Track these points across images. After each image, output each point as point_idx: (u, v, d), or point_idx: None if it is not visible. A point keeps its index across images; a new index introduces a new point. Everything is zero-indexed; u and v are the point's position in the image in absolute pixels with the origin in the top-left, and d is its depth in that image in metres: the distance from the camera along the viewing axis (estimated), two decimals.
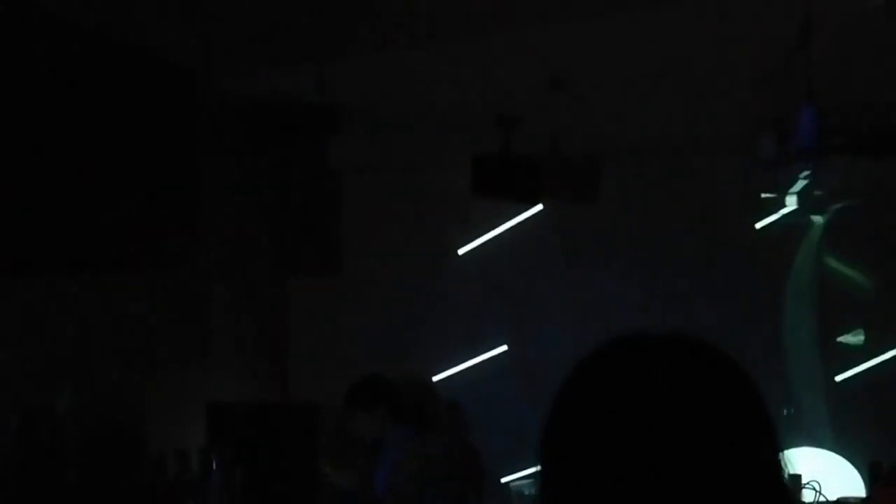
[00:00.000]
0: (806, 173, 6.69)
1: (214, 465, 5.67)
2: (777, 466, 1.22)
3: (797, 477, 5.15)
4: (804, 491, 5.42)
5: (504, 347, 8.37)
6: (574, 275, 8.28)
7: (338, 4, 5.48)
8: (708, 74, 6.35)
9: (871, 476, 5.91)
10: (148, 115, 5.42)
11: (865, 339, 7.68)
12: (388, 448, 5.64)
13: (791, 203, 7.60)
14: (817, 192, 7.46)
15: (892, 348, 7.77)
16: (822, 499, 5.54)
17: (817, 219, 7.85)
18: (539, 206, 7.89)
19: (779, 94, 5.28)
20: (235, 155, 7.36)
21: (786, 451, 1.23)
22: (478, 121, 6.83)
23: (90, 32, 5.08)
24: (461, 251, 8.51)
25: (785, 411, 6.96)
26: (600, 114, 7.04)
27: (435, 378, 7.89)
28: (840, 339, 7.71)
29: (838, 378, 7.78)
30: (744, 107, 6.37)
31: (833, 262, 7.86)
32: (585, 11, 5.60)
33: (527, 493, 6.56)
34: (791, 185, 7.31)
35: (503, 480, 7.31)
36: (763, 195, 7.46)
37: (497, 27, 5.81)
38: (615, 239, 8.16)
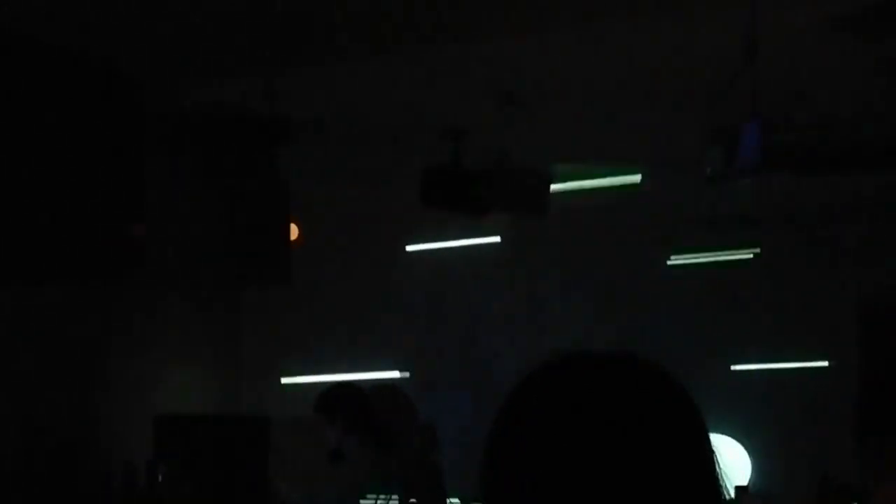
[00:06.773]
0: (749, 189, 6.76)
1: (161, 478, 5.63)
2: (713, 475, 1.26)
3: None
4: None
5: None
6: (524, 290, 8.31)
7: (288, 16, 5.48)
8: (657, 89, 6.40)
9: (821, 490, 5.95)
10: (94, 125, 5.38)
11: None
12: (346, 460, 5.62)
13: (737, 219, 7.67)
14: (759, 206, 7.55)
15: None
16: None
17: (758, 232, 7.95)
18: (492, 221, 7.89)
19: (727, 109, 5.33)
20: (185, 166, 7.32)
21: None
22: (428, 133, 6.85)
23: (37, 41, 5.05)
24: (409, 262, 8.51)
25: None
26: (550, 128, 7.07)
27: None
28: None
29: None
30: (693, 122, 6.42)
31: None
32: (536, 26, 5.64)
33: None
34: (736, 200, 7.38)
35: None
36: (710, 213, 7.53)
37: (448, 40, 5.84)
38: (564, 256, 8.20)
